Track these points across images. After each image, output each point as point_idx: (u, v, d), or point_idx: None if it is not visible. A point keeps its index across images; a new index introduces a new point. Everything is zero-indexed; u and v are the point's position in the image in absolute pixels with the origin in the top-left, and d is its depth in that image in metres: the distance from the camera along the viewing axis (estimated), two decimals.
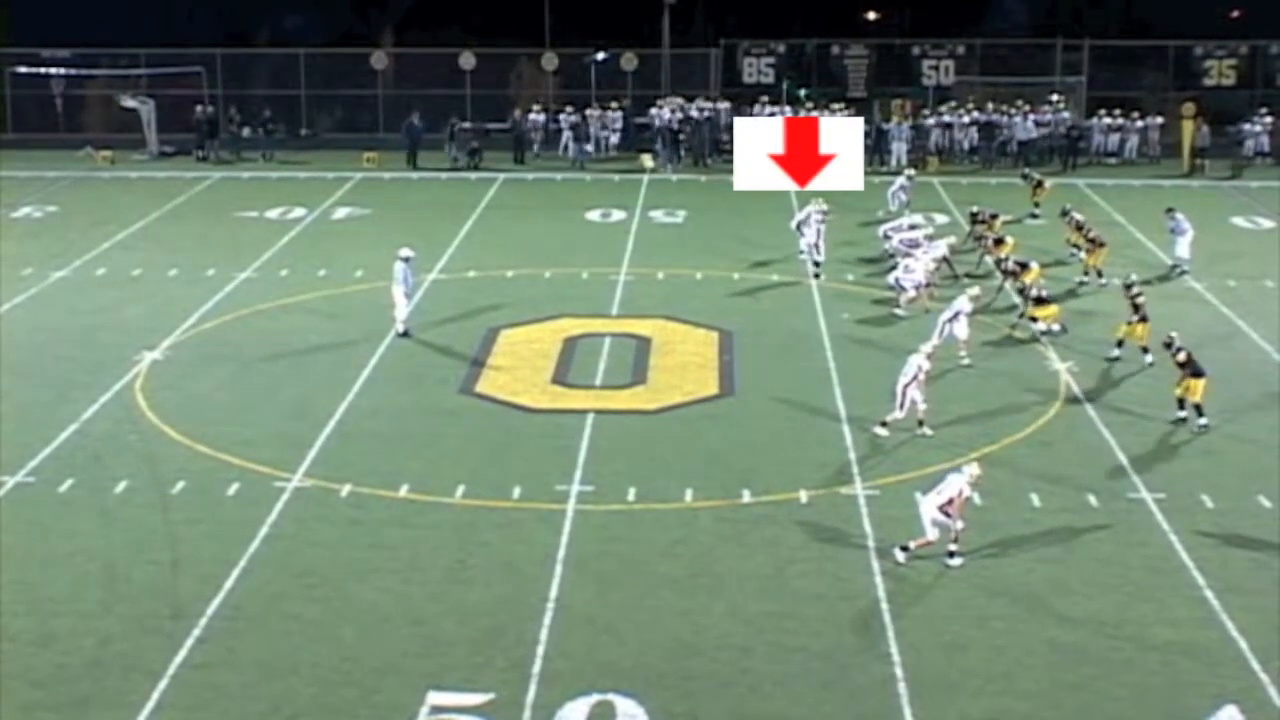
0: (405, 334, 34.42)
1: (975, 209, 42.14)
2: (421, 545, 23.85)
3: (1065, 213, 41.36)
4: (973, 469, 23.32)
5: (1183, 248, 40.50)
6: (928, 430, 27.96)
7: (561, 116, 58.15)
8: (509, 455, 27.65)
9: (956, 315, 32.31)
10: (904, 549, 23.24)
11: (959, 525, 23.15)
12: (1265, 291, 38.87)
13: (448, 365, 32.62)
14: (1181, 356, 29.09)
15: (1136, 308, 32.26)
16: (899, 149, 56.16)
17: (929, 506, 23.13)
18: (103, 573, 22.88)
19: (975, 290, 33.46)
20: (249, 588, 22.43)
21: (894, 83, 61.47)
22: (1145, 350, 32.02)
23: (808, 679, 20.04)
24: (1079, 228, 40.25)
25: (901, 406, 27.84)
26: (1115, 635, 21.14)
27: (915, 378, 27.82)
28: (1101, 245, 39.16)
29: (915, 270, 36.63)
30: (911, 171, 48.76)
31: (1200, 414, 28.86)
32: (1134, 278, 33.59)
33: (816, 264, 39.67)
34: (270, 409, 30.00)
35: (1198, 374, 28.88)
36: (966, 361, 32.03)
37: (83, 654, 20.54)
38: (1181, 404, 29.03)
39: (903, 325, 35.43)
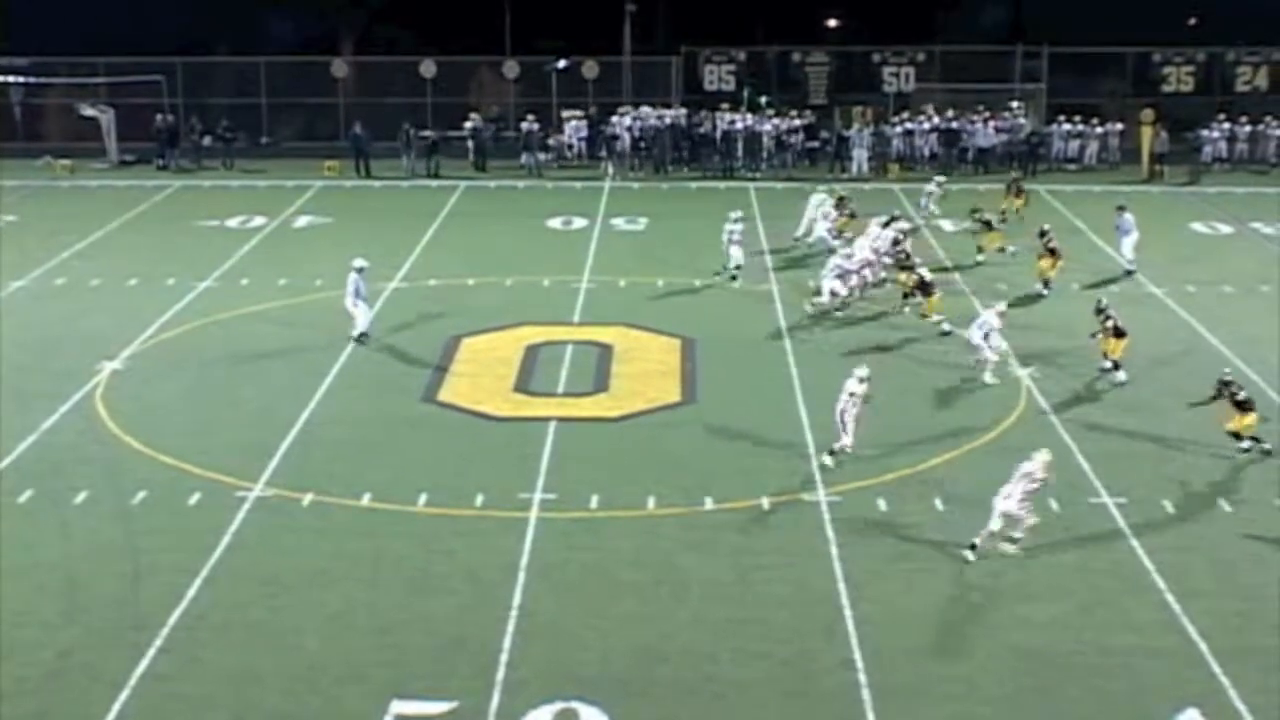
0: (361, 338, 34.40)
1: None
2: (384, 554, 23.80)
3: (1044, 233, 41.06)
4: (1043, 455, 23.77)
5: (1126, 247, 40.75)
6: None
7: (523, 125, 58.08)
8: (471, 463, 27.62)
9: (988, 333, 32.22)
10: (971, 547, 23.64)
11: (1032, 519, 23.63)
12: (1224, 297, 39.07)
13: (409, 373, 32.54)
14: (1111, 324, 32.03)
15: (1117, 331, 32.40)
16: (860, 155, 56.34)
17: (1011, 502, 23.49)
18: (63, 584, 22.77)
19: (1001, 306, 33.16)
20: (211, 597, 22.34)
21: (855, 89, 61.57)
22: (1117, 366, 32.16)
23: (772, 686, 20.07)
24: (1041, 234, 40.22)
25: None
26: (1078, 640, 21.23)
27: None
28: (1057, 256, 39.23)
29: (853, 259, 37.36)
30: (941, 179, 49.08)
31: (1117, 368, 31.95)
32: (1104, 301, 33.62)
33: (736, 268, 39.89)
34: (232, 418, 29.90)
35: (1120, 334, 31.94)
36: (990, 379, 31.93)
37: (43, 665, 20.44)
38: (1106, 357, 32.26)
39: (864, 330, 35.53)
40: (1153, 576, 23.12)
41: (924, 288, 36.22)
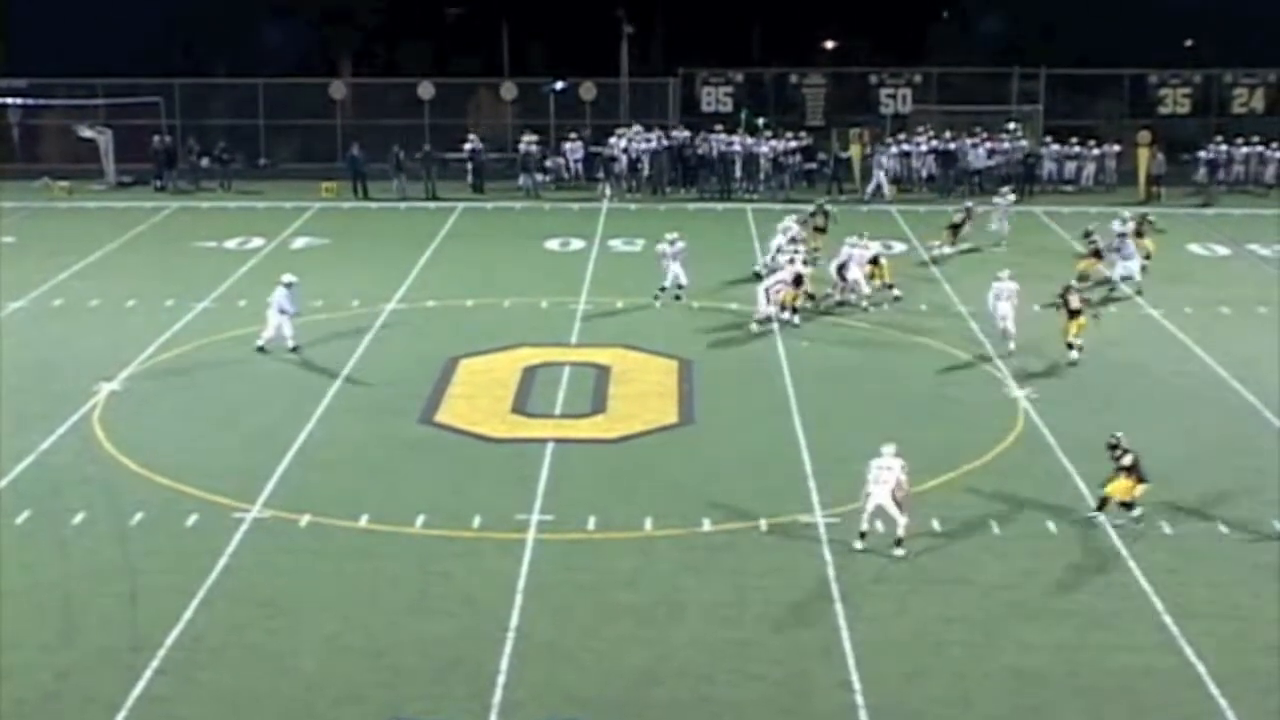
0: (262, 349, 35.14)
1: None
2: (382, 576, 23.80)
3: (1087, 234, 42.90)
4: (888, 446, 24.31)
5: (1126, 268, 40.96)
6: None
7: (520, 146, 58.12)
8: (469, 485, 27.63)
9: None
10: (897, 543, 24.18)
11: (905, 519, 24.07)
12: (1221, 318, 39.12)
13: (407, 395, 32.55)
14: (1074, 304, 34.22)
15: (1071, 311, 33.93)
16: (879, 176, 56.22)
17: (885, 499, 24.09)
18: (61, 605, 22.75)
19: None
20: (208, 619, 22.33)
21: (852, 111, 61.69)
22: (1071, 346, 33.52)
23: (769, 707, 20.07)
24: (1086, 235, 42.41)
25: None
26: (1074, 661, 21.22)
27: None
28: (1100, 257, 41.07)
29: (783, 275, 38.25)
30: (1013, 197, 49.63)
31: (1072, 349, 34.14)
32: (1074, 283, 34.28)
33: (679, 288, 40.29)
34: (229, 439, 29.90)
35: (1075, 315, 34.21)
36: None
37: (41, 687, 20.41)
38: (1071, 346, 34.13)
39: (861, 352, 35.62)
40: (1150, 598, 23.10)
41: (797, 281, 37.69)
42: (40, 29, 61.57)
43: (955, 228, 46.31)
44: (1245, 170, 58.43)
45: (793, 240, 41.25)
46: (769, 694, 20.37)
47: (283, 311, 35.03)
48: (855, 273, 39.33)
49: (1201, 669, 20.99)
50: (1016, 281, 35.39)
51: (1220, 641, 21.74)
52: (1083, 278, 40.12)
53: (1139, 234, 43.44)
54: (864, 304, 39.14)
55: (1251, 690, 20.37)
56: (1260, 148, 58.37)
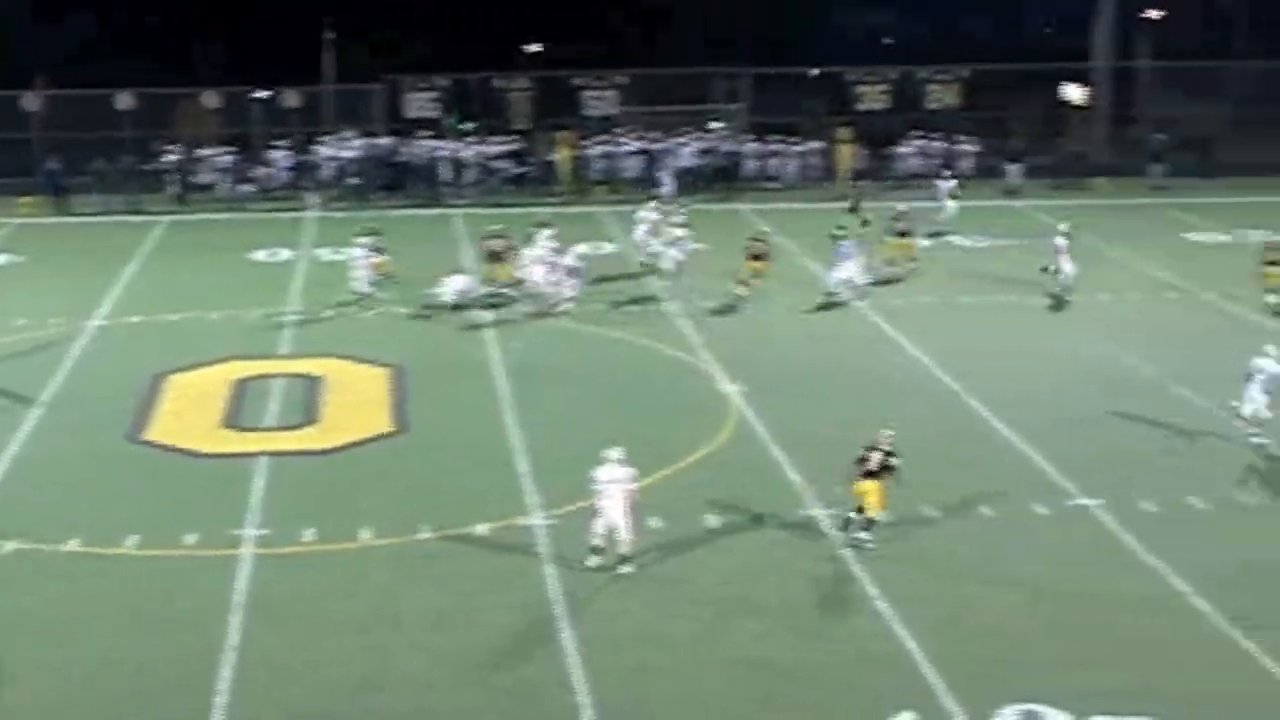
0: None
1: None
2: (94, 599, 23.22)
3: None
4: (611, 452, 24.00)
5: (844, 272, 41.35)
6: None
7: (221, 156, 57.13)
8: (181, 502, 27.11)
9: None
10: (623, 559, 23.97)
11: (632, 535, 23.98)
12: (927, 310, 40.17)
13: (114, 413, 31.79)
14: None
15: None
16: (664, 177, 56.11)
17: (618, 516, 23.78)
18: None
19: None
20: None
21: (558, 114, 61.86)
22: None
23: (492, 712, 20.06)
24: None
25: None
26: (798, 647, 21.62)
27: None
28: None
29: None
30: (954, 182, 51.44)
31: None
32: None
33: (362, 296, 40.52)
34: None
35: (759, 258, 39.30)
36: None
37: None
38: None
39: (574, 351, 35.84)
40: (866, 586, 23.60)
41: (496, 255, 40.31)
42: None
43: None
44: (943, 164, 59.85)
45: (651, 231, 42.23)
46: (492, 699, 20.35)
47: None
48: (537, 274, 39.39)
49: (916, 652, 21.51)
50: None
51: (936, 626, 22.27)
52: (892, 264, 42.08)
53: (901, 234, 44.41)
54: (561, 306, 39.33)
55: (965, 675, 20.87)
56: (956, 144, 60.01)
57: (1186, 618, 22.68)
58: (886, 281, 42.47)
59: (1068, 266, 40.71)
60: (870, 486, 24.83)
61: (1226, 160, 61.12)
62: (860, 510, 24.95)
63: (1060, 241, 40.95)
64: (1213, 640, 21.98)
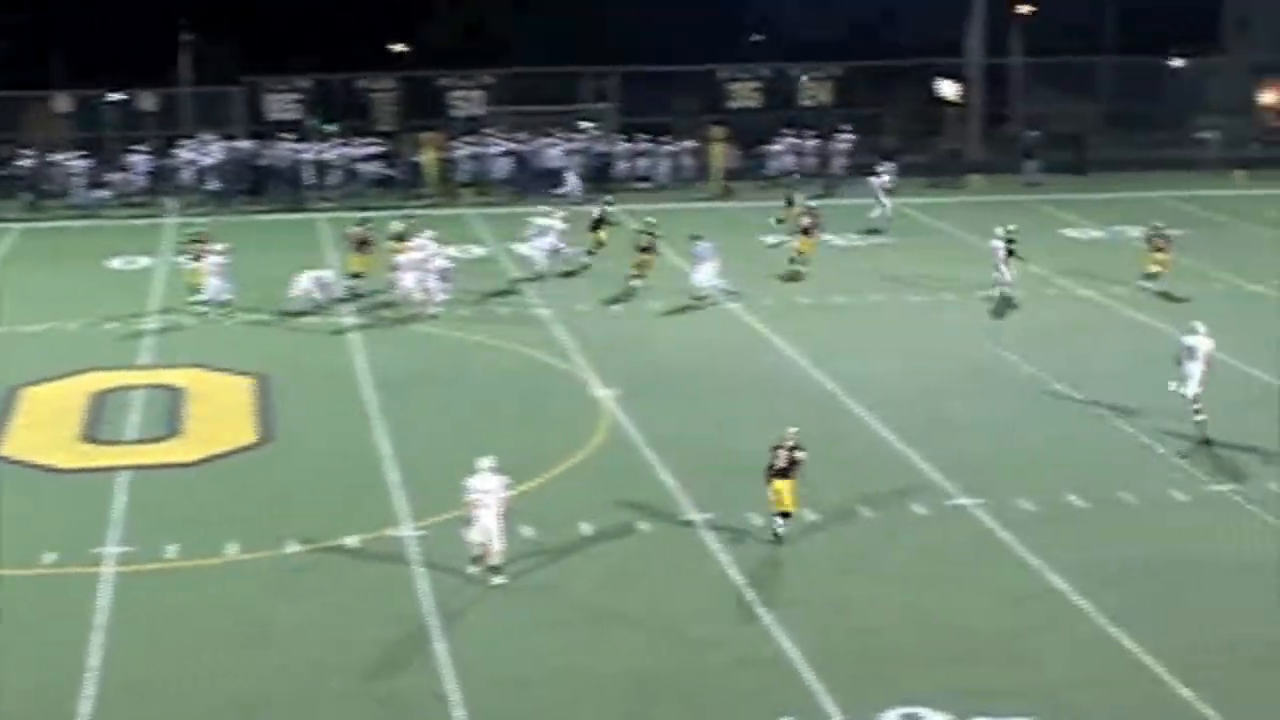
0: None
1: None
2: None
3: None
4: (484, 461, 23.47)
5: (705, 274, 40.80)
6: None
7: (75, 161, 55.94)
8: (39, 520, 26.27)
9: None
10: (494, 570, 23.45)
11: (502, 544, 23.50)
12: (799, 310, 40.05)
13: None
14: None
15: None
16: (568, 176, 55.84)
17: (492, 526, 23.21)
18: None
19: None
20: None
21: (424, 115, 61.17)
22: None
23: None
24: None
25: None
26: (675, 655, 21.31)
27: None
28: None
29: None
30: (888, 178, 51.31)
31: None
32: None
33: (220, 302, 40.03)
34: None
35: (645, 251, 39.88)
36: None
37: None
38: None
39: (443, 358, 35.36)
40: (743, 590, 23.31)
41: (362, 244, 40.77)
42: None
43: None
44: (818, 162, 59.93)
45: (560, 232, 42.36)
46: (367, 712, 19.89)
47: None
48: (408, 280, 38.86)
49: (795, 655, 21.24)
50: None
51: (815, 629, 22.03)
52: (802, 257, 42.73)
53: (805, 230, 44.30)
54: (431, 310, 38.83)
55: (846, 677, 20.64)
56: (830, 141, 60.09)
57: (1067, 616, 22.60)
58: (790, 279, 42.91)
59: (1006, 270, 40.74)
60: (783, 485, 24.77)
61: (1098, 156, 61.77)
62: (785, 514, 24.85)
63: (997, 245, 41.04)
64: (1093, 638, 21.89)
